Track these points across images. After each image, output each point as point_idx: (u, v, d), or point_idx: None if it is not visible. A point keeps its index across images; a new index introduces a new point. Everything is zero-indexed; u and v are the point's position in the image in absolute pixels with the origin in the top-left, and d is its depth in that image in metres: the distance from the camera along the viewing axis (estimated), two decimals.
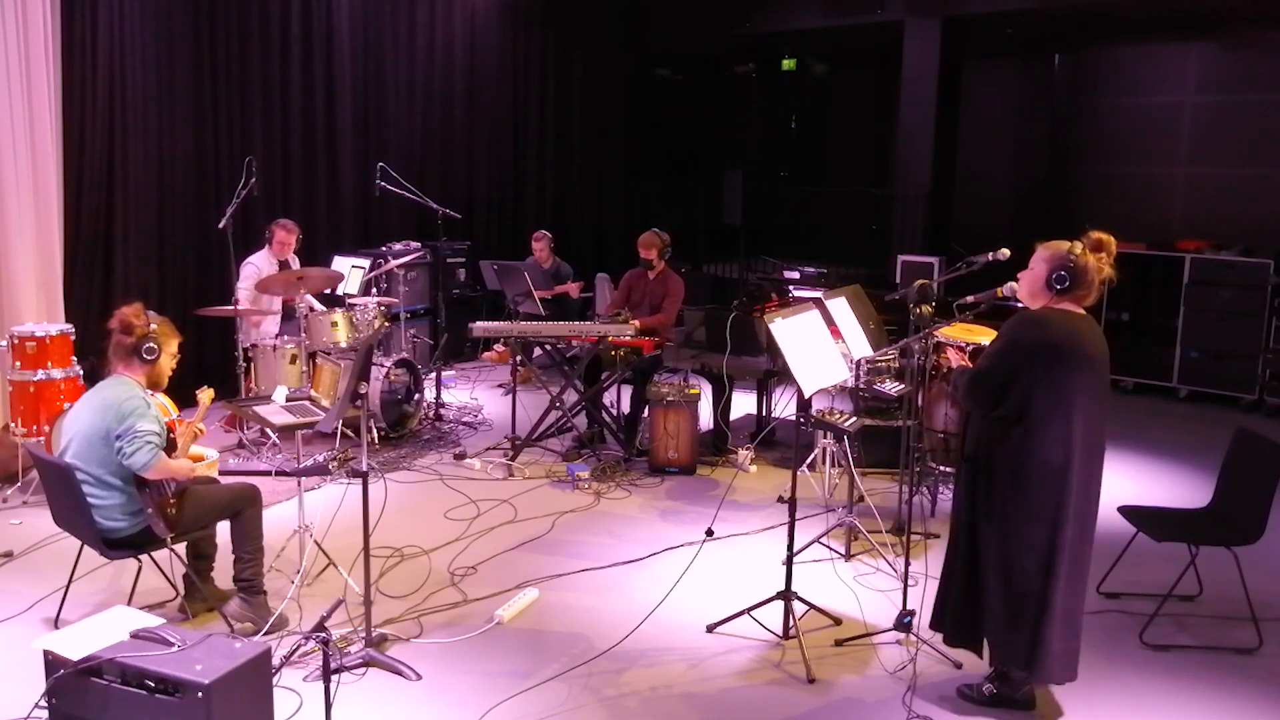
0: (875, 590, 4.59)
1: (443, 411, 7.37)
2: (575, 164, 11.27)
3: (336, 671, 3.53)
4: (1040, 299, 3.47)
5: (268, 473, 5.20)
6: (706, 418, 6.66)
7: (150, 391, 3.98)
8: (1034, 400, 3.33)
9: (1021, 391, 3.34)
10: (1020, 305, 3.57)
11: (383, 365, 6.56)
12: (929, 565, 4.51)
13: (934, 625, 3.76)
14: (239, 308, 6.41)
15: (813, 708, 3.65)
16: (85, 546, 4.05)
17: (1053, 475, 3.35)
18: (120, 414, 3.77)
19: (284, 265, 6.88)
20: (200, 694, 2.77)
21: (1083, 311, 3.46)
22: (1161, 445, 6.93)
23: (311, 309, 6.49)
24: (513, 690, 3.69)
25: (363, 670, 3.78)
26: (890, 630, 4.12)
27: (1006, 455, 3.40)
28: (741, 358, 6.29)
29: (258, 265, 6.76)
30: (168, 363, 4.05)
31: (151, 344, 3.94)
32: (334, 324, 6.46)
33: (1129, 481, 6.12)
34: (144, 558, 4.08)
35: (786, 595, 4.13)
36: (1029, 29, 10.47)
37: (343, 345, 6.43)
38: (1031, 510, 3.38)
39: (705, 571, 4.69)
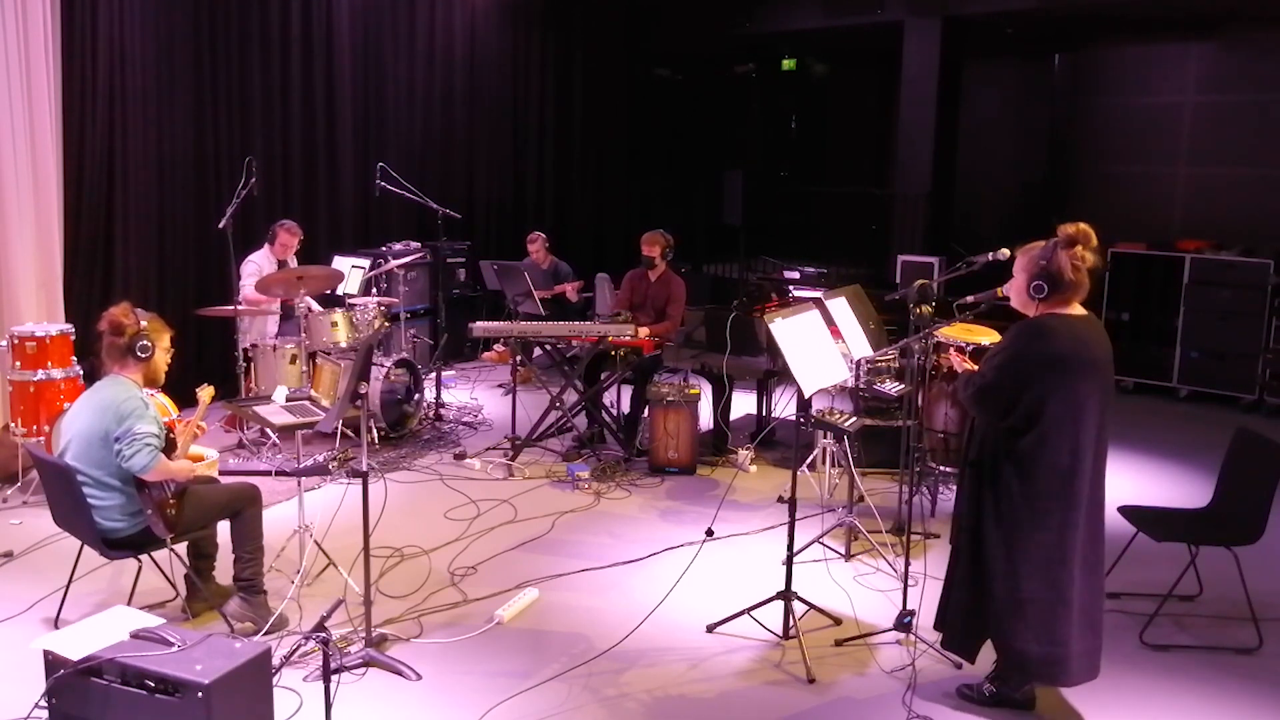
0: (875, 590, 4.59)
1: (443, 411, 7.36)
2: (575, 164, 11.26)
3: (336, 671, 3.53)
4: (1031, 307, 3.43)
5: (268, 473, 5.20)
6: (706, 418, 6.66)
7: (149, 390, 3.98)
8: (1044, 410, 3.31)
9: (1031, 402, 3.32)
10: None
11: (383, 365, 6.56)
12: (929, 565, 4.52)
13: (937, 627, 3.75)
14: (242, 306, 6.41)
15: (813, 708, 3.65)
16: (85, 546, 4.05)
17: (1062, 480, 3.34)
18: (119, 415, 3.76)
19: (282, 265, 6.88)
20: (200, 694, 2.77)
21: (1083, 312, 3.43)
22: (1161, 445, 6.93)
23: (310, 310, 6.49)
24: (513, 690, 3.69)
25: (363, 670, 3.78)
26: (890, 630, 4.12)
27: (1015, 462, 3.37)
28: (741, 358, 6.29)
29: (259, 263, 6.77)
30: (163, 358, 4.04)
31: (144, 341, 3.92)
32: (334, 324, 6.47)
33: (1129, 481, 6.11)
34: (144, 558, 4.08)
35: (786, 595, 4.12)
36: (1029, 29, 10.47)
37: (343, 345, 6.43)
38: (1039, 515, 3.36)
39: (705, 571, 4.69)
